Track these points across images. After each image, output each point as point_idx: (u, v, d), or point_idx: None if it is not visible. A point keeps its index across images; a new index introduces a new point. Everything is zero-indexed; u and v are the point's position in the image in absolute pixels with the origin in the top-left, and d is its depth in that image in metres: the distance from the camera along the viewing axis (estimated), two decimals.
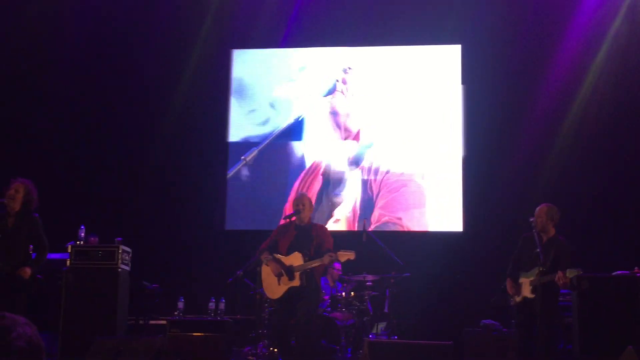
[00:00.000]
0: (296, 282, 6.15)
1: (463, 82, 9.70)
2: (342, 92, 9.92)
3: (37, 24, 9.91)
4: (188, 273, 9.43)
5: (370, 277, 8.06)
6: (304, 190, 9.50)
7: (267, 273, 6.30)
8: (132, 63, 10.11)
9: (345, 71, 9.98)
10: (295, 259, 6.19)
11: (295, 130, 9.97)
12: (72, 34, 10.08)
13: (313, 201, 7.11)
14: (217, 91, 10.22)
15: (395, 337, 7.85)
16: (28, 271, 5.99)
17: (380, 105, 9.85)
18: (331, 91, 9.95)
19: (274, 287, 6.24)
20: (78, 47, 10.10)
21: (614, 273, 6.85)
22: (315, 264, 6.14)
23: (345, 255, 6.15)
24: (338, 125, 9.91)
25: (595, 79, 9.26)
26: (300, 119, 9.92)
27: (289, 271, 6.16)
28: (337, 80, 9.96)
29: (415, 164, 9.62)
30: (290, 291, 6.16)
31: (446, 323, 8.62)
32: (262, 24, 10.09)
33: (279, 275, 6.17)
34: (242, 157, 9.93)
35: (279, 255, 6.27)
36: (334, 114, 9.92)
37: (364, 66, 9.99)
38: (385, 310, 8.20)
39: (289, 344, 6.38)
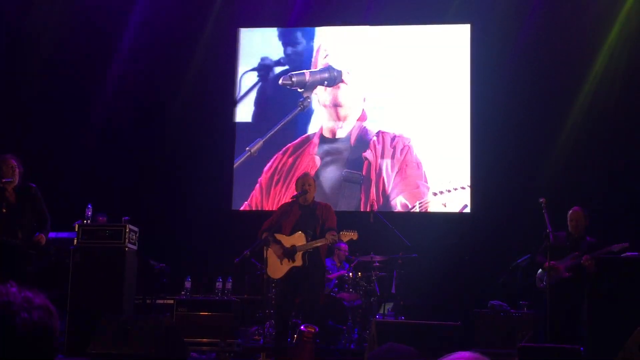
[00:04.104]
0: (298, 262, 6.12)
1: (472, 62, 9.59)
2: (346, 82, 9.82)
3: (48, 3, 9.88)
4: (195, 252, 9.43)
5: (377, 258, 8.04)
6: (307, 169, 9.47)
7: (270, 253, 6.28)
8: (140, 42, 10.04)
9: (347, 56, 9.88)
10: (298, 239, 6.16)
11: (300, 124, 9.90)
12: (81, 15, 10.02)
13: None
14: (224, 70, 10.17)
15: (402, 318, 7.84)
16: (44, 237, 6.13)
17: (388, 86, 9.77)
18: (336, 81, 9.84)
19: (276, 267, 6.22)
20: (85, 28, 10.05)
21: (623, 254, 6.80)
22: (318, 243, 6.11)
23: (348, 235, 6.12)
24: (339, 117, 9.82)
25: (607, 57, 9.14)
26: (304, 109, 9.84)
27: (290, 252, 6.13)
28: (342, 70, 9.86)
29: (423, 145, 9.55)
30: (292, 271, 6.14)
31: (453, 304, 8.60)
32: (270, 3, 10.01)
33: (281, 257, 6.16)
34: (247, 148, 9.89)
35: (280, 236, 6.23)
36: (337, 105, 9.83)
37: (370, 47, 9.89)
38: (393, 291, 8.19)
39: (287, 322, 6.37)
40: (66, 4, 9.93)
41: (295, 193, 6.45)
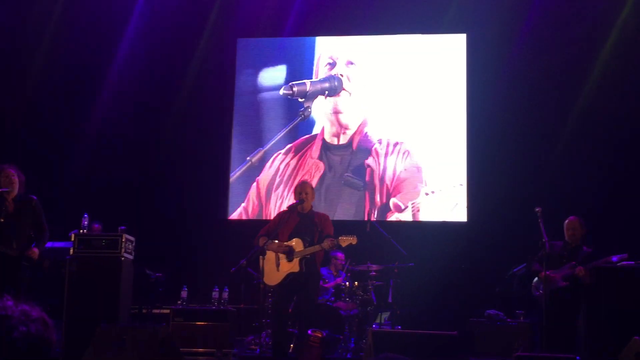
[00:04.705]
0: (295, 268, 6.13)
1: (468, 71, 9.63)
2: (347, 90, 9.84)
3: (43, 13, 9.90)
4: (191, 262, 9.43)
5: (374, 267, 8.04)
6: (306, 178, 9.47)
7: (266, 261, 6.28)
8: (138, 52, 10.06)
9: (347, 65, 9.90)
10: (295, 245, 6.17)
11: (301, 129, 9.90)
12: (77, 23, 10.04)
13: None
14: (222, 80, 10.18)
15: (399, 327, 7.83)
16: (37, 251, 6.11)
17: (384, 96, 9.79)
18: (337, 91, 9.86)
19: (273, 274, 6.22)
20: (82, 38, 10.06)
21: (619, 263, 6.81)
22: (316, 249, 6.11)
23: (347, 240, 6.11)
24: (340, 124, 9.84)
25: (603, 67, 9.18)
26: (305, 119, 9.85)
27: (289, 252, 6.15)
28: (342, 75, 9.88)
29: (419, 154, 9.57)
30: (289, 277, 6.15)
31: (450, 313, 8.60)
32: (268, 13, 10.04)
33: (284, 253, 6.17)
34: (248, 158, 9.88)
35: (277, 242, 6.26)
36: (337, 112, 9.85)
37: (368, 56, 9.92)
38: (389, 300, 8.19)
39: (285, 330, 6.36)
40: (61, 19, 9.94)
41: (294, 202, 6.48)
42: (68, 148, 9.95)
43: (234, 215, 9.82)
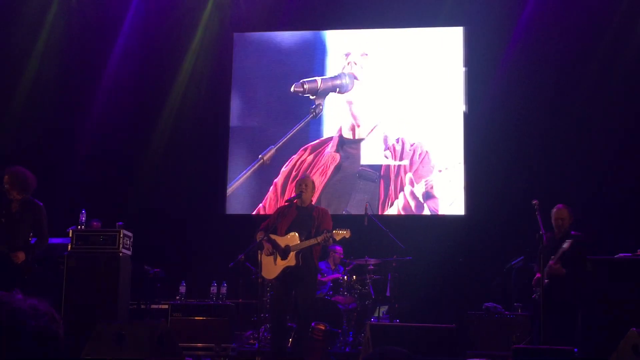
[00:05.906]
0: (292, 262, 6.13)
1: (465, 65, 9.63)
2: (357, 88, 9.82)
3: (42, 13, 9.88)
4: (190, 257, 9.43)
5: (372, 261, 8.06)
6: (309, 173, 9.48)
7: (264, 255, 6.30)
8: (134, 48, 10.05)
9: (358, 59, 9.87)
10: (291, 239, 6.18)
11: (312, 126, 9.88)
12: (73, 21, 10.02)
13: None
14: (218, 75, 10.17)
15: (397, 321, 7.85)
16: (20, 256, 6.01)
17: (381, 90, 9.79)
18: (348, 88, 9.83)
19: (270, 267, 6.23)
20: (78, 31, 10.04)
21: (616, 255, 6.82)
22: (311, 242, 6.12)
23: (341, 234, 6.12)
24: (353, 120, 9.82)
25: (600, 60, 9.17)
26: (316, 116, 9.82)
27: (284, 251, 6.15)
28: (352, 73, 9.86)
29: (417, 148, 9.57)
30: (286, 271, 6.15)
31: (448, 306, 8.62)
32: (264, 6, 10.01)
33: (272, 254, 6.17)
34: (260, 156, 9.85)
35: (274, 236, 6.25)
36: (350, 109, 9.83)
37: (365, 49, 9.91)
38: (387, 293, 8.20)
39: (283, 324, 6.37)
40: (60, 14, 9.92)
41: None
42: (66, 144, 9.93)
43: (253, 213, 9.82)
